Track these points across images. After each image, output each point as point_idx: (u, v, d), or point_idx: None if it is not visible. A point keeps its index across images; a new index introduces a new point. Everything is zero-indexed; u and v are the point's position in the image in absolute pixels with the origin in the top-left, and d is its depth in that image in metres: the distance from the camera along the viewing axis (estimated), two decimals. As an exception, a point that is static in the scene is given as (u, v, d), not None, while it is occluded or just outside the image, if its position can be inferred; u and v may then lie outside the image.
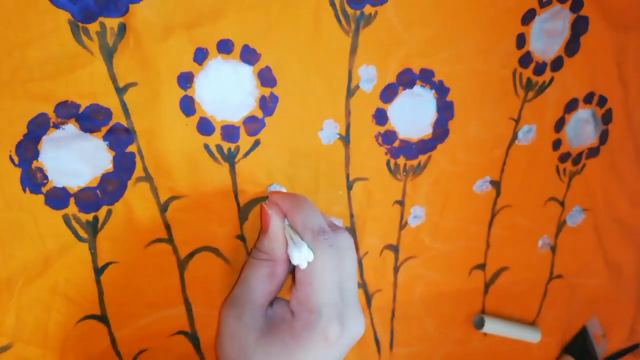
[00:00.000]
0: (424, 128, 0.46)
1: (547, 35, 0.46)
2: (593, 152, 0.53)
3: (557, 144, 0.51)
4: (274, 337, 0.35)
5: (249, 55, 0.38)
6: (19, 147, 0.35)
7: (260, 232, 0.39)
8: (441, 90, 0.45)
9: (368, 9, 0.40)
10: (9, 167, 0.35)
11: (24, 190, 0.36)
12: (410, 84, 0.44)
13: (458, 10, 0.42)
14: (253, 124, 0.40)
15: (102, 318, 0.41)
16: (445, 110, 0.46)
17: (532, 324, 0.59)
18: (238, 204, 0.42)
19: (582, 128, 0.52)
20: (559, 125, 0.50)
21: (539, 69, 0.47)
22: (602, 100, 0.51)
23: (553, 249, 0.56)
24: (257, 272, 0.38)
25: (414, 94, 0.44)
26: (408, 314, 0.52)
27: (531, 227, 0.54)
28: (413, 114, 0.45)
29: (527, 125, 0.49)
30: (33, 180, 0.36)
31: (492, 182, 0.51)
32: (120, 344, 0.42)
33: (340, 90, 0.42)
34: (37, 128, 0.35)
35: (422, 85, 0.44)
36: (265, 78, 0.39)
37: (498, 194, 0.51)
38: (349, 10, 0.39)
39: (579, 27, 0.47)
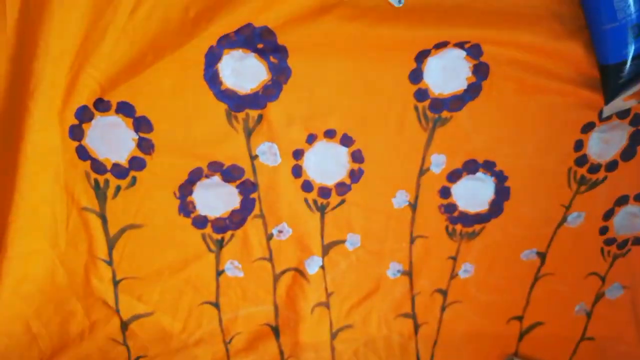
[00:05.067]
0: (481, 204, 0.56)
1: (605, 142, 0.53)
2: (639, 240, 0.59)
3: (604, 230, 0.58)
4: None
5: (346, 140, 0.51)
6: (181, 187, 0.51)
7: None
8: (500, 178, 0.54)
9: (445, 114, 0.50)
10: (171, 199, 0.51)
11: (179, 214, 0.52)
12: (473, 171, 0.53)
13: (523, 119, 0.51)
14: (342, 188, 0.53)
15: (216, 305, 0.57)
16: (502, 193, 0.55)
17: (560, 373, 0.67)
18: (322, 242, 0.56)
19: (630, 220, 0.58)
20: (608, 215, 0.57)
21: (594, 169, 0.54)
22: (655, 199, 0.57)
23: (588, 314, 0.64)
24: None
25: (476, 178, 0.54)
26: (448, 345, 0.63)
27: (570, 294, 0.62)
28: (473, 193, 0.55)
29: (577, 212, 0.57)
30: (186, 208, 0.52)
31: (538, 253, 0.59)
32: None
33: (413, 170, 0.53)
34: (194, 176, 0.51)
35: (484, 172, 0.54)
36: (356, 157, 0.52)
37: (542, 263, 0.60)
38: (429, 114, 0.50)
39: (637, 138, 0.53)
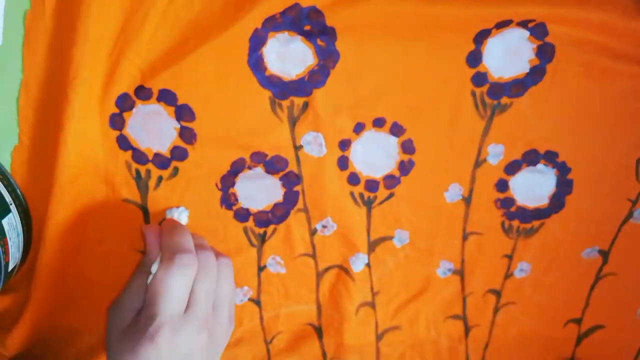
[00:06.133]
0: (541, 199, 0.52)
1: (681, 131, 0.48)
2: None
3: (675, 227, 0.53)
4: (127, 334, 0.39)
5: (396, 130, 0.48)
6: (223, 178, 0.49)
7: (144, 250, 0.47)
8: (563, 170, 0.50)
9: (504, 100, 0.47)
10: (214, 190, 0.49)
11: (221, 206, 0.50)
12: (534, 162, 0.50)
13: (589, 105, 0.47)
14: (391, 180, 0.50)
15: (257, 302, 0.55)
16: (564, 186, 0.51)
17: (621, 381, 0.62)
18: (369, 238, 0.53)
19: None
20: (681, 211, 0.53)
21: (666, 161, 0.50)
22: None
23: (655, 319, 0.59)
24: (137, 280, 0.43)
25: (536, 170, 0.50)
26: (500, 349, 0.60)
27: (634, 295, 0.57)
28: (533, 186, 0.51)
29: (645, 208, 0.52)
30: (228, 200, 0.50)
31: (600, 251, 0.55)
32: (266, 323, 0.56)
33: (468, 161, 0.49)
34: (237, 167, 0.48)
35: (545, 164, 0.50)
36: (407, 147, 0.48)
37: (605, 262, 0.55)
38: (487, 100, 0.47)
39: None
